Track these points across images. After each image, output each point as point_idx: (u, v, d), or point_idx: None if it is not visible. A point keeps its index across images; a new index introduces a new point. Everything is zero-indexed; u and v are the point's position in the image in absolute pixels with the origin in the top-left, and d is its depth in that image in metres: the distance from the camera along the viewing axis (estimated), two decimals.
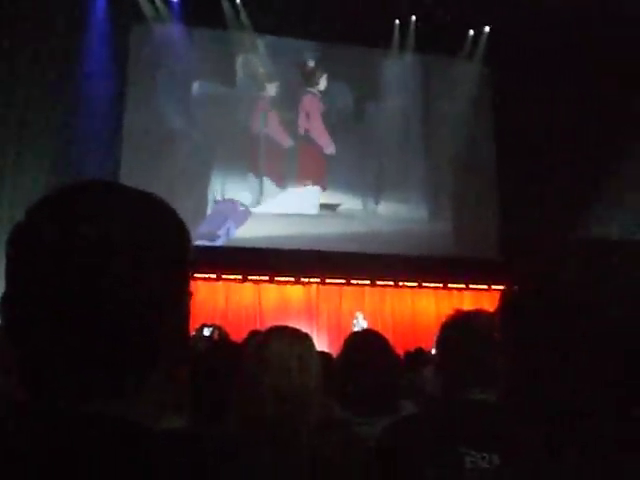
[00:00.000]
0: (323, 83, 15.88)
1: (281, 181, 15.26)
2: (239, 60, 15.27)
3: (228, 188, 14.84)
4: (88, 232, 0.77)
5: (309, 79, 15.79)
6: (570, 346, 0.77)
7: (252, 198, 15.01)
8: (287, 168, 15.32)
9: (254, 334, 3.64)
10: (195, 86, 14.88)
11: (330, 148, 15.67)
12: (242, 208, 14.81)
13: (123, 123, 14.06)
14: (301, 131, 15.66)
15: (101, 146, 13.17)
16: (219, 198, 14.74)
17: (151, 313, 0.80)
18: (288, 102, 15.55)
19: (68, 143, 12.58)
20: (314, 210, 15.43)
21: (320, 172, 15.56)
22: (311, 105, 15.80)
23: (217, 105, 14.80)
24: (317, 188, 15.50)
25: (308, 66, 15.76)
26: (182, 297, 0.86)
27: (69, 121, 12.71)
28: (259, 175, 15.13)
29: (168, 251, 0.83)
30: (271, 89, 15.47)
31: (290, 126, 15.49)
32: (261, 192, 15.06)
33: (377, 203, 15.78)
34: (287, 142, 15.43)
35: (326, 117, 15.71)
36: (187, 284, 0.88)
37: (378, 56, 15.79)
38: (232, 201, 14.80)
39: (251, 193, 15.04)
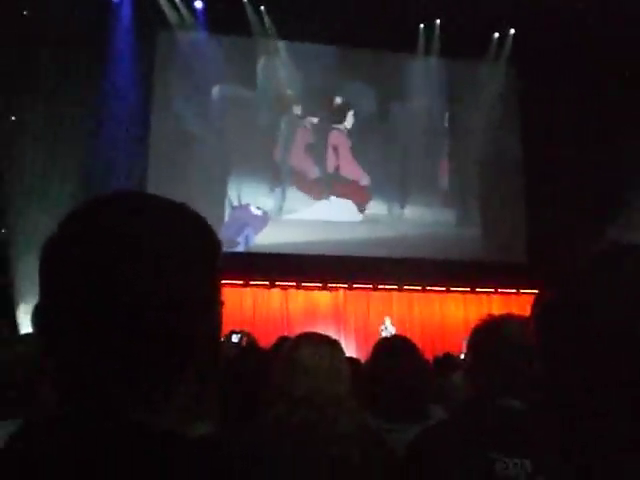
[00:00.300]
0: (350, 120, 15.82)
1: (311, 193, 15.37)
2: (261, 64, 15.33)
3: (247, 193, 14.91)
4: (118, 244, 0.78)
5: (336, 115, 15.75)
6: (601, 356, 0.76)
7: (274, 204, 15.07)
8: (317, 190, 15.46)
9: (283, 340, 3.64)
10: (216, 90, 14.99)
11: (365, 179, 15.66)
12: (259, 213, 14.82)
13: (150, 130, 14.24)
14: (330, 168, 15.62)
15: (128, 153, 13.35)
16: (236, 204, 14.79)
17: (182, 321, 0.80)
18: (316, 133, 15.57)
19: (96, 151, 12.76)
20: (352, 218, 15.49)
21: (362, 199, 15.58)
22: (338, 140, 15.74)
23: (238, 109, 14.91)
24: (350, 202, 15.57)
25: (335, 102, 15.75)
26: (213, 305, 0.87)
27: (96, 130, 12.90)
28: (281, 184, 15.21)
29: (199, 260, 0.84)
30: (297, 109, 15.52)
31: (317, 157, 15.54)
32: (283, 198, 15.11)
33: (403, 207, 15.74)
34: (313, 173, 15.46)
35: (355, 148, 15.73)
36: (218, 292, 0.88)
37: (403, 60, 15.79)
38: (249, 207, 14.83)
39: (274, 200, 15.11)
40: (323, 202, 15.35)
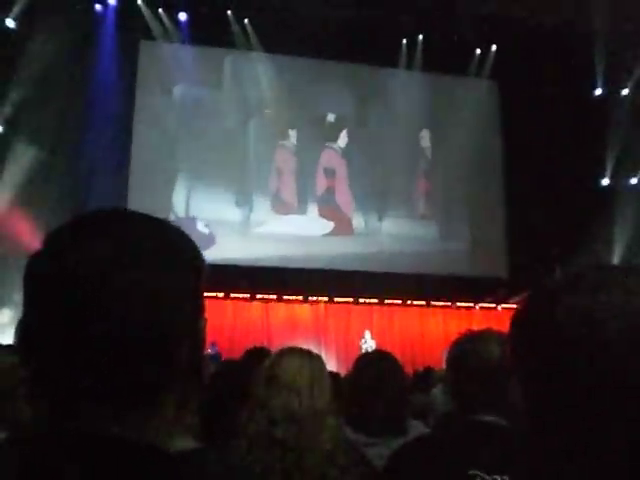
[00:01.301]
0: (344, 139, 15.83)
1: (284, 209, 15.33)
2: (241, 74, 15.33)
3: (206, 201, 14.70)
4: (99, 262, 0.79)
5: (329, 133, 15.75)
6: (577, 376, 0.77)
7: (241, 216, 14.99)
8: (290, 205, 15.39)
9: (252, 351, 3.65)
10: (186, 93, 14.96)
11: (351, 211, 15.68)
12: (206, 232, 14.27)
13: (132, 139, 14.22)
14: (319, 190, 15.61)
15: (110, 163, 13.34)
16: (182, 215, 14.43)
17: (165, 337, 0.81)
18: (306, 154, 15.59)
19: (78, 158, 12.78)
20: (325, 231, 15.43)
21: (346, 230, 15.58)
22: (334, 162, 15.75)
23: (211, 118, 14.90)
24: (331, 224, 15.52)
25: (328, 121, 15.76)
26: (197, 321, 0.88)
27: (79, 137, 12.92)
28: (250, 195, 15.15)
29: (182, 276, 0.84)
30: (292, 136, 15.50)
31: (300, 176, 15.54)
32: (251, 209, 15.03)
33: (381, 220, 15.76)
34: (291, 190, 15.42)
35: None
36: (202, 308, 0.89)
37: (384, 74, 15.89)
38: (195, 221, 14.40)
39: (241, 211, 15.01)
40: (295, 216, 15.27)
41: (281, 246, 14.77)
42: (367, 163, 15.75)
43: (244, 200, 15.04)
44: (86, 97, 13.17)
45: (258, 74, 15.25)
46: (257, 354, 3.49)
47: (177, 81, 14.73)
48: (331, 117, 15.79)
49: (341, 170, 15.70)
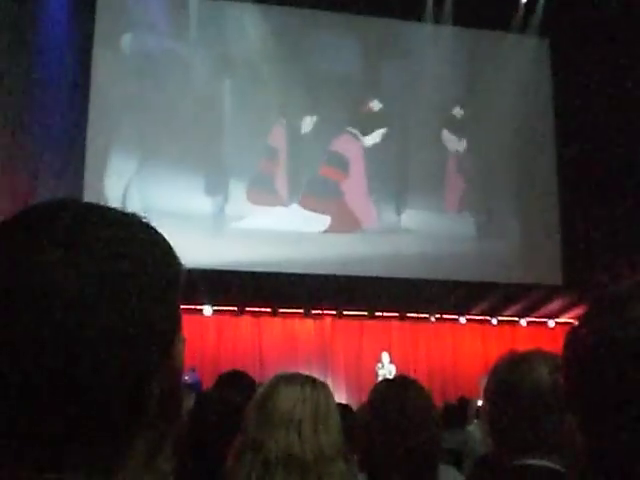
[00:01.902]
0: (376, 137, 15.85)
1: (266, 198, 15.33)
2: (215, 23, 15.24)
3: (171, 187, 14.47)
4: (55, 272, 0.78)
5: (362, 123, 15.77)
6: None
7: (215, 207, 14.90)
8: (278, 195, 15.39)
9: (226, 377, 3.65)
10: (144, 42, 14.92)
11: (370, 219, 15.70)
12: None
13: (90, 74, 14.29)
14: (318, 177, 15.55)
15: (66, 95, 13.52)
16: (130, 206, 14.19)
17: (134, 366, 0.81)
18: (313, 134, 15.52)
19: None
20: (317, 228, 15.43)
21: (350, 226, 15.65)
22: (351, 153, 15.73)
23: (172, 77, 14.83)
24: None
25: (369, 106, 15.76)
26: (173, 343, 0.88)
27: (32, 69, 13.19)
28: (225, 181, 15.07)
29: (156, 287, 0.84)
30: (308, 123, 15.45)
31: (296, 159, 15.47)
32: (226, 199, 14.96)
33: (400, 213, 15.73)
34: (282, 178, 15.38)
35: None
36: (179, 326, 0.89)
37: (406, 28, 15.85)
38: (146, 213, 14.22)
39: (212, 200, 14.88)
40: (282, 208, 15.24)
41: (269, 246, 14.54)
42: (382, 140, 15.73)
43: (217, 186, 14.92)
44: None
45: (237, 21, 15.16)
46: (233, 381, 3.49)
47: (129, 30, 14.68)
48: (376, 105, 15.75)
49: (358, 162, 15.65)
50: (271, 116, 15.33)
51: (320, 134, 15.47)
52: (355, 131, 15.76)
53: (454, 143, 16.21)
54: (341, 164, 15.64)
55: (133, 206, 13.50)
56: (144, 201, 13.93)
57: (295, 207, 15.25)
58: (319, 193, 15.35)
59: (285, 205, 15.19)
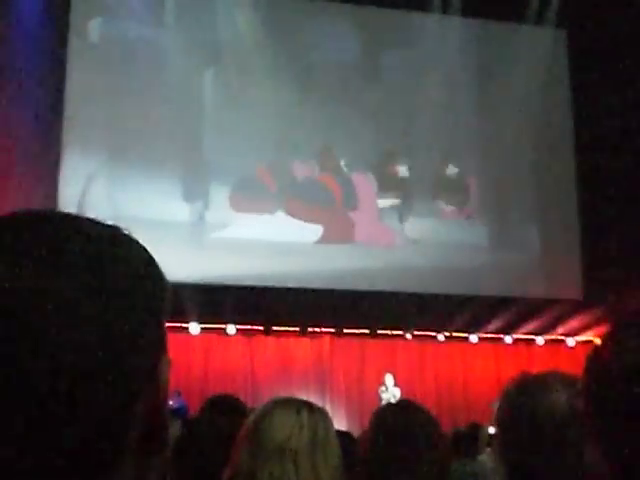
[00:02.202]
0: (403, 170, 15.96)
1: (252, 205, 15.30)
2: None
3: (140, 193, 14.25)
4: (33, 291, 0.80)
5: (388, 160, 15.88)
6: None
7: (194, 212, 14.78)
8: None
9: (215, 402, 3.65)
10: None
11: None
12: None
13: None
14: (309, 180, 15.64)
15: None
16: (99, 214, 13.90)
17: (115, 394, 0.81)
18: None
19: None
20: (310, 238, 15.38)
21: (346, 235, 15.67)
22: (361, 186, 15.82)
23: (146, 67, 14.79)
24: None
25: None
26: (159, 367, 0.88)
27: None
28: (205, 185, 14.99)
29: (139, 309, 0.85)
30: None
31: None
32: (206, 206, 14.86)
33: (402, 221, 15.72)
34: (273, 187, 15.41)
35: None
36: (164, 349, 0.90)
37: (412, 20, 15.88)
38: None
39: (190, 207, 14.77)
40: (267, 216, 15.18)
41: (256, 258, 14.37)
42: (382, 131, 15.66)
43: (196, 191, 14.81)
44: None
45: (222, 5, 15.19)
46: (222, 406, 3.49)
47: (100, 15, 14.66)
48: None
49: (370, 199, 15.71)
50: (259, 112, 15.25)
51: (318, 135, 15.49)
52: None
53: (464, 142, 16.19)
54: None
55: (102, 213, 13.37)
56: (114, 207, 13.69)
57: (283, 215, 15.22)
58: (309, 199, 15.37)
59: (271, 213, 15.17)
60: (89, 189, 13.77)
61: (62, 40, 14.30)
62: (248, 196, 15.02)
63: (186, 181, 14.77)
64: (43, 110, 13.71)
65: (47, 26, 14.06)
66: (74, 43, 14.40)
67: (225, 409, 3.34)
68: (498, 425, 2.02)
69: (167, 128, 14.50)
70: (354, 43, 15.83)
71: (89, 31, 14.60)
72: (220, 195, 14.84)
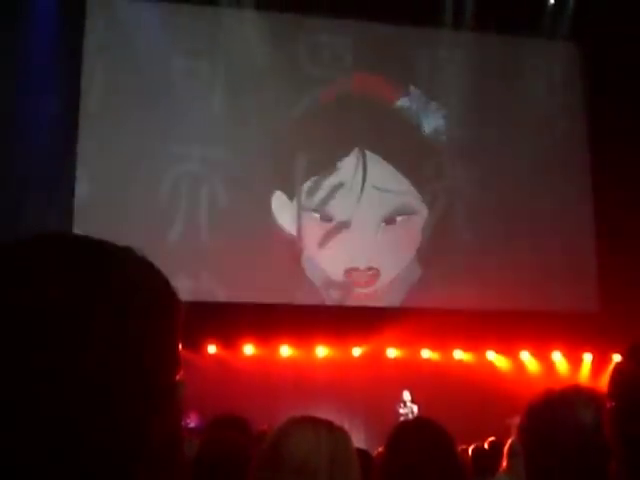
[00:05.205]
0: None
1: None
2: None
3: None
4: (51, 312, 0.79)
5: None
6: None
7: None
8: None
9: (221, 422, 3.65)
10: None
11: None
12: None
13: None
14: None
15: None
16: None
17: (135, 412, 0.81)
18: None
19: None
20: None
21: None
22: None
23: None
24: None
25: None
26: (172, 389, 0.88)
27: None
28: None
29: (155, 331, 0.85)
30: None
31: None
32: None
33: None
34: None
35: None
36: (177, 370, 0.90)
37: (420, 36, 15.95)
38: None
39: None
40: None
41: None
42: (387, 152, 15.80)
43: None
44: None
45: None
46: (226, 426, 3.50)
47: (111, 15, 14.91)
48: None
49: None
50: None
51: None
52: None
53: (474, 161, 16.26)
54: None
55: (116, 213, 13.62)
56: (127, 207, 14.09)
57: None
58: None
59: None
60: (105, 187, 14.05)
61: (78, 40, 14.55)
62: None
63: None
64: (59, 109, 13.88)
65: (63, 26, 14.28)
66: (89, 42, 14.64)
67: (226, 428, 3.34)
68: (521, 443, 2.01)
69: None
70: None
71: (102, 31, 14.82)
72: None
